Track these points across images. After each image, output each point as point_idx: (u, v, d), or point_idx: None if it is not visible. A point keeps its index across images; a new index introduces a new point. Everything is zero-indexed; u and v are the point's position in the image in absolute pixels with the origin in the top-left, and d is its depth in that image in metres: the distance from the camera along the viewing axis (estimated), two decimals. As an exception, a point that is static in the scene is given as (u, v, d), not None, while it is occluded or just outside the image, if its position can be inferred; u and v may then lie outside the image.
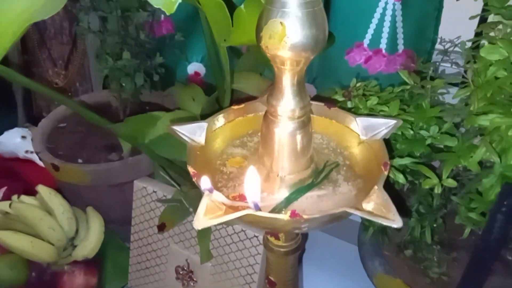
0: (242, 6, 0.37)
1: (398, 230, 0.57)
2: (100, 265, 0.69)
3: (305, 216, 0.28)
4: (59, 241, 0.65)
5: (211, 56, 0.51)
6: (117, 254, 0.71)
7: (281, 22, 0.27)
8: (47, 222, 0.64)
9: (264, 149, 0.33)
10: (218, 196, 0.28)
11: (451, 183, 0.43)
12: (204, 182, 0.28)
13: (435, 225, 0.53)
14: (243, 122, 0.39)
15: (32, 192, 0.67)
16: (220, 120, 0.37)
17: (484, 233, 0.42)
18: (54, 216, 0.65)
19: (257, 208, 0.28)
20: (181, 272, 0.63)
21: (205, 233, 0.56)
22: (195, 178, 0.31)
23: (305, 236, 0.69)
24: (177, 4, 0.27)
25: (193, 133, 0.36)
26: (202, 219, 0.27)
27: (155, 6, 0.27)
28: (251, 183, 0.29)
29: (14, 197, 0.66)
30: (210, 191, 0.28)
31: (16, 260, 0.64)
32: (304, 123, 0.32)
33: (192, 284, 0.62)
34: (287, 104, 0.31)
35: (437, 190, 0.43)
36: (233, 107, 0.38)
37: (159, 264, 0.65)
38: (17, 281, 0.64)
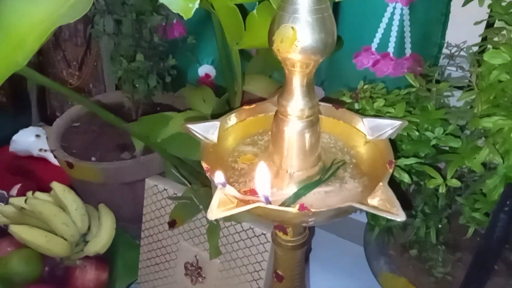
0: (255, 11, 0.38)
1: (403, 230, 0.58)
2: (111, 261, 0.71)
3: (312, 210, 0.29)
4: (72, 236, 0.67)
5: (222, 59, 0.53)
6: (127, 250, 0.72)
7: (292, 27, 0.28)
8: (61, 218, 0.66)
9: (274, 147, 0.35)
10: (230, 190, 0.30)
11: (455, 183, 0.44)
12: (218, 177, 0.30)
13: (440, 225, 0.54)
14: (254, 122, 0.40)
15: (45, 189, 0.69)
16: (232, 119, 0.39)
17: (486, 232, 0.43)
18: (68, 213, 0.67)
19: (268, 201, 0.30)
20: (190, 268, 0.64)
21: (214, 230, 0.58)
22: (209, 173, 0.33)
23: (311, 233, 0.70)
24: (195, 9, 0.29)
25: (206, 131, 0.37)
26: (215, 211, 0.29)
27: (174, 11, 0.29)
28: (262, 178, 0.30)
29: (29, 193, 0.68)
30: (223, 185, 0.30)
31: (31, 254, 0.66)
32: (313, 123, 0.34)
33: (200, 280, 0.63)
34: (296, 104, 0.33)
35: (442, 189, 0.44)
36: (244, 107, 0.40)
37: (168, 260, 0.66)
38: (32, 275, 0.66)
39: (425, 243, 0.56)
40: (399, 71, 0.67)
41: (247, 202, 0.30)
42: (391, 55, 0.67)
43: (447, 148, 0.46)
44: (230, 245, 0.59)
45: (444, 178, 0.45)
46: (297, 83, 0.32)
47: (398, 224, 0.56)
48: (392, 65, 0.67)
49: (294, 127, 0.33)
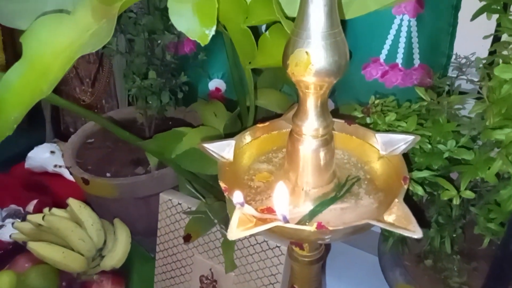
0: (267, 32, 0.39)
1: (418, 240, 0.58)
2: (127, 275, 0.72)
3: (330, 228, 0.30)
4: (88, 251, 0.68)
5: (234, 75, 0.54)
6: (143, 264, 0.73)
7: (306, 52, 0.29)
8: (78, 234, 0.67)
9: (290, 165, 0.36)
10: (249, 210, 0.31)
11: (469, 194, 0.44)
12: (237, 197, 0.31)
13: (454, 235, 0.54)
14: (268, 139, 0.41)
15: (61, 205, 0.71)
16: (247, 137, 0.40)
17: (502, 243, 0.43)
18: (84, 228, 0.68)
19: (286, 220, 0.31)
20: (205, 282, 0.65)
21: (230, 243, 0.58)
22: (227, 192, 0.34)
23: (327, 248, 0.70)
24: (211, 35, 0.30)
25: (222, 150, 0.38)
26: (235, 231, 0.29)
27: (191, 39, 0.30)
28: (280, 197, 0.31)
29: (46, 209, 0.69)
30: (242, 205, 0.31)
31: (48, 270, 0.67)
32: (327, 141, 0.34)
33: (216, 293, 0.64)
34: (311, 124, 0.33)
35: (456, 201, 0.44)
36: (258, 125, 0.40)
37: (183, 273, 0.67)
38: (49, 291, 0.67)
39: (440, 253, 0.56)
40: (408, 81, 0.68)
41: (265, 221, 0.31)
42: (400, 66, 0.67)
43: (460, 158, 0.47)
44: (244, 258, 0.60)
45: (458, 189, 0.45)
46: (311, 104, 0.33)
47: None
48: (401, 75, 0.68)
49: (309, 146, 0.34)
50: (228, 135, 0.59)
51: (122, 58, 0.70)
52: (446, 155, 0.44)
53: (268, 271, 0.58)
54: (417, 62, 0.67)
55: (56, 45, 0.31)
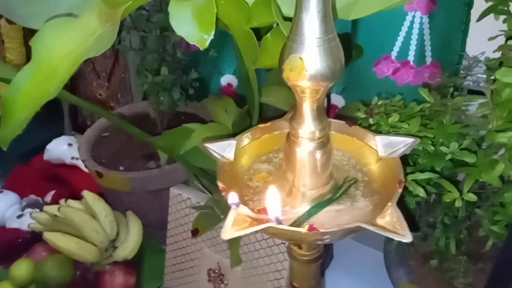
0: (269, 34, 0.40)
1: (423, 240, 0.58)
2: (138, 266, 0.74)
3: (321, 230, 0.30)
4: (101, 242, 0.70)
5: (242, 74, 0.55)
6: (154, 256, 0.75)
7: (300, 57, 0.30)
8: (92, 225, 0.69)
9: (287, 166, 0.36)
10: (244, 210, 0.32)
11: (471, 197, 0.44)
12: (232, 197, 0.32)
13: (460, 236, 0.54)
14: (269, 139, 0.42)
15: (77, 195, 0.73)
16: (247, 137, 0.41)
17: (504, 246, 0.43)
18: (98, 220, 0.71)
19: (278, 221, 0.31)
20: (212, 275, 0.66)
21: (235, 239, 0.59)
22: (224, 192, 0.35)
23: (328, 246, 0.71)
24: (210, 40, 0.31)
25: (223, 150, 0.39)
26: (229, 231, 0.30)
27: (190, 42, 0.31)
28: (272, 200, 0.32)
29: (62, 201, 0.71)
30: (237, 205, 0.32)
31: (64, 259, 0.70)
32: (324, 143, 0.35)
33: (223, 286, 0.65)
34: (307, 127, 0.34)
35: (458, 203, 0.44)
36: (259, 125, 0.41)
37: (192, 266, 0.69)
38: (64, 279, 0.69)
39: (446, 253, 0.56)
40: (419, 79, 0.67)
41: (260, 221, 0.31)
42: (411, 63, 0.67)
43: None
44: (251, 253, 0.61)
45: (462, 192, 0.45)
46: (307, 107, 0.33)
47: (418, 234, 0.56)
48: (412, 73, 0.67)
49: (305, 148, 0.35)
50: (236, 132, 0.60)
51: (136, 54, 0.71)
52: (448, 157, 0.44)
53: (274, 266, 0.59)
54: (429, 59, 0.66)
55: (63, 49, 0.32)
